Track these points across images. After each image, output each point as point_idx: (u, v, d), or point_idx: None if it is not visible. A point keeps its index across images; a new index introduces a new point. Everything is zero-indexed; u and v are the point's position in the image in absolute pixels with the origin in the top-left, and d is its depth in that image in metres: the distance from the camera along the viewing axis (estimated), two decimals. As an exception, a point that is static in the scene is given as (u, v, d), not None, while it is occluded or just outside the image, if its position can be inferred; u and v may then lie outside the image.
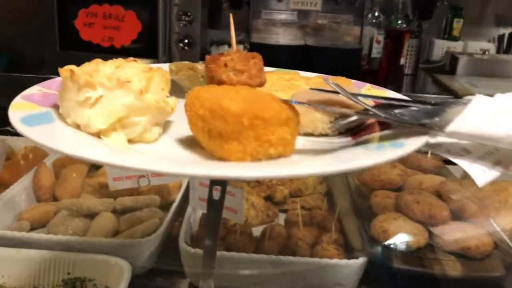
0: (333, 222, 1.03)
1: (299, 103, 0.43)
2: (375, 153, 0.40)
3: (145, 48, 2.39)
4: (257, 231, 1.05)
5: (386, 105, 0.50)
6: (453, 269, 0.88)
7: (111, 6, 2.33)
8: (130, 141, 0.44)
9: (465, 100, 0.48)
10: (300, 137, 0.50)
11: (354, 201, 1.09)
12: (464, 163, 0.50)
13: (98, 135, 0.43)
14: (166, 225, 0.99)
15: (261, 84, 0.51)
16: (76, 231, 0.98)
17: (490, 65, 2.67)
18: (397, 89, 2.59)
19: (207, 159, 0.42)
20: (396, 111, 0.46)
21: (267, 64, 2.22)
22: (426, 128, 0.44)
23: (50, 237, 0.95)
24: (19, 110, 0.44)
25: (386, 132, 0.47)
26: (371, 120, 0.52)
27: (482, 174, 0.50)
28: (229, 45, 2.77)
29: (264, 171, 0.36)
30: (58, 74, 1.84)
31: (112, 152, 0.40)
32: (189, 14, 2.39)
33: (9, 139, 1.33)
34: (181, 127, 0.46)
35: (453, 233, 0.91)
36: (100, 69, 0.43)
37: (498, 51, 2.80)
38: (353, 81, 0.62)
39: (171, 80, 0.62)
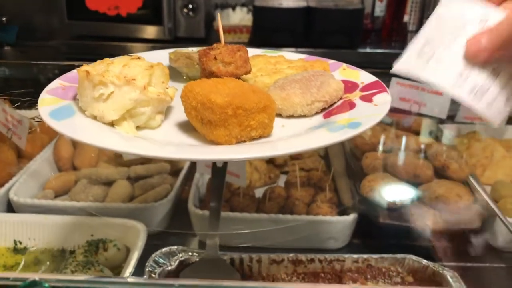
0: (327, 182, 1.12)
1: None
2: (333, 135, 0.49)
3: (151, 15, 2.44)
4: (260, 192, 1.16)
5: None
6: (435, 222, 0.98)
7: (115, -26, 2.37)
8: (137, 128, 0.54)
9: None
10: (282, 119, 0.59)
11: (348, 163, 1.19)
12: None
13: (111, 124, 0.53)
14: (176, 190, 1.10)
15: (247, 72, 0.59)
16: (96, 198, 1.10)
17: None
18: (402, 47, 2.64)
19: (201, 143, 0.51)
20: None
21: (270, 27, 2.24)
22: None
23: (74, 203, 1.06)
24: (46, 105, 0.53)
25: (351, 112, 0.55)
26: (343, 99, 0.60)
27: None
28: (233, 8, 2.80)
29: (239, 154, 0.46)
30: (67, 44, 1.91)
31: (124, 142, 0.49)
32: (192, -21, 2.41)
33: (28, 113, 1.43)
34: (180, 111, 0.55)
35: (436, 190, 1.00)
36: (110, 69, 0.52)
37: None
38: (330, 61, 0.70)
39: (170, 67, 0.71)
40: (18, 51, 2.83)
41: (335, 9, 2.40)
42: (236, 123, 0.49)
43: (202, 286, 0.41)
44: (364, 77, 0.65)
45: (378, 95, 0.58)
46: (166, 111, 0.58)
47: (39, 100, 0.54)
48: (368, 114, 0.54)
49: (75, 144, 1.31)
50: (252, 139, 0.51)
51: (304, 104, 0.57)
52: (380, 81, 0.62)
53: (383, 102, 0.56)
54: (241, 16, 2.59)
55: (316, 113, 0.59)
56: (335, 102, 0.61)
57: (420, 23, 2.73)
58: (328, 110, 0.59)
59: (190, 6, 2.47)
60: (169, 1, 2.42)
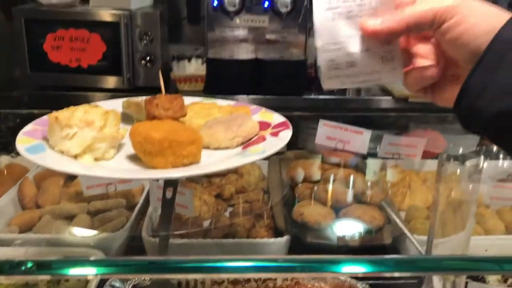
0: (266, 211, 1.29)
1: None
2: (243, 159, 0.67)
3: (110, 66, 2.59)
4: (208, 223, 1.31)
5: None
6: (353, 240, 1.16)
7: (76, 30, 2.52)
8: (95, 159, 0.70)
9: None
10: (210, 150, 0.77)
11: (284, 193, 1.36)
12: (378, 82, 0.60)
13: (75, 157, 0.68)
14: (131, 222, 1.23)
15: (183, 116, 0.76)
16: (59, 231, 1.22)
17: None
18: (343, 92, 2.88)
19: (144, 168, 0.67)
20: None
21: (223, 77, 2.46)
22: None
23: (38, 236, 1.18)
24: (23, 143, 0.69)
25: (262, 144, 0.73)
26: (259, 135, 0.78)
27: (395, 72, 0.58)
28: (189, 59, 2.99)
29: (171, 174, 0.63)
30: (29, 94, 2.07)
31: (85, 168, 0.65)
32: (149, 33, 2.58)
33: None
34: (129, 146, 0.72)
35: (354, 212, 1.18)
36: (74, 115, 0.68)
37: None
38: (252, 107, 0.88)
39: (123, 113, 0.87)
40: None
41: (281, 60, 2.64)
42: (171, 153, 0.65)
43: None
44: (276, 118, 0.84)
45: (283, 131, 0.77)
46: (119, 146, 0.74)
47: (17, 139, 0.70)
48: (273, 145, 0.72)
49: (38, 185, 1.43)
50: (184, 165, 0.68)
51: (227, 139, 0.75)
52: (287, 120, 0.81)
53: (285, 136, 0.75)
54: (196, 67, 2.79)
55: (237, 145, 0.77)
56: (252, 137, 0.78)
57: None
58: (247, 143, 0.77)
59: (148, 58, 2.62)
60: (128, 53, 2.57)
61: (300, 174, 1.35)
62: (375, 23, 0.56)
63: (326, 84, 0.61)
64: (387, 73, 0.59)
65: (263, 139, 0.76)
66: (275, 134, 0.76)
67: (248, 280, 1.06)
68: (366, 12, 0.57)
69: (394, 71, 0.59)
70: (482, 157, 0.89)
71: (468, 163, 0.85)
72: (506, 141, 0.51)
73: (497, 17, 0.49)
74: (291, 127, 0.78)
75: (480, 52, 0.48)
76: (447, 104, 0.55)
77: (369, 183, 1.27)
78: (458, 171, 0.84)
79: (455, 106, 0.53)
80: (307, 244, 1.15)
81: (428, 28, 0.53)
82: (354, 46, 0.58)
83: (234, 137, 0.75)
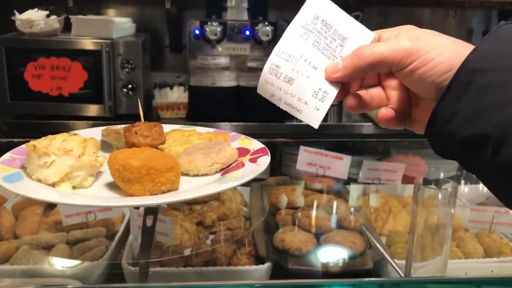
0: (248, 238, 1.29)
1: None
2: (220, 185, 0.67)
3: (92, 94, 2.59)
4: (189, 251, 1.30)
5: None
6: (334, 265, 1.16)
7: (58, 59, 2.52)
8: (73, 187, 0.69)
9: None
10: (190, 177, 0.77)
11: (266, 220, 1.36)
12: (296, 113, 0.58)
13: (53, 185, 0.68)
14: (111, 251, 1.22)
15: (162, 143, 0.77)
16: (37, 262, 1.20)
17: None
18: (325, 118, 2.91)
19: (122, 196, 0.67)
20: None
21: (205, 104, 2.47)
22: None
23: (15, 267, 1.16)
24: (1, 172, 0.68)
25: (240, 170, 0.74)
26: (238, 161, 0.79)
27: (316, 113, 0.58)
28: (171, 87, 3.00)
29: (148, 201, 0.63)
30: (8, 123, 2.07)
31: (63, 196, 0.65)
32: (131, 62, 2.59)
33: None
34: (107, 174, 0.72)
35: (334, 238, 1.18)
36: (52, 143, 0.69)
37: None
38: (231, 134, 0.89)
39: (102, 141, 0.88)
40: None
41: (262, 87, 2.67)
42: (149, 180, 0.66)
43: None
44: (255, 144, 0.85)
45: (262, 157, 0.78)
46: (97, 174, 0.74)
47: (-6, 169, 0.69)
48: (251, 171, 0.72)
49: (16, 215, 1.41)
50: (163, 192, 0.68)
51: (206, 165, 0.75)
52: (266, 147, 0.82)
53: (264, 162, 0.76)
54: (178, 94, 2.81)
55: (216, 172, 0.77)
56: (232, 164, 0.79)
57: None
58: (225, 170, 0.78)
59: (130, 86, 2.62)
60: (110, 81, 2.57)
61: (281, 201, 1.35)
62: (337, 69, 0.57)
63: (260, 88, 0.62)
64: (310, 110, 0.58)
65: (242, 165, 0.76)
66: (253, 161, 0.77)
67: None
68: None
69: (316, 112, 0.59)
70: (456, 182, 0.91)
71: (443, 188, 0.87)
72: (475, 166, 0.52)
73: (457, 51, 0.51)
74: (269, 153, 0.79)
75: (445, 86, 0.50)
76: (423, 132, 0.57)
77: (349, 209, 1.28)
78: (434, 195, 0.86)
79: (426, 132, 0.55)
80: (289, 271, 1.14)
81: (387, 69, 0.55)
82: (302, 66, 0.58)
83: (213, 163, 0.76)
